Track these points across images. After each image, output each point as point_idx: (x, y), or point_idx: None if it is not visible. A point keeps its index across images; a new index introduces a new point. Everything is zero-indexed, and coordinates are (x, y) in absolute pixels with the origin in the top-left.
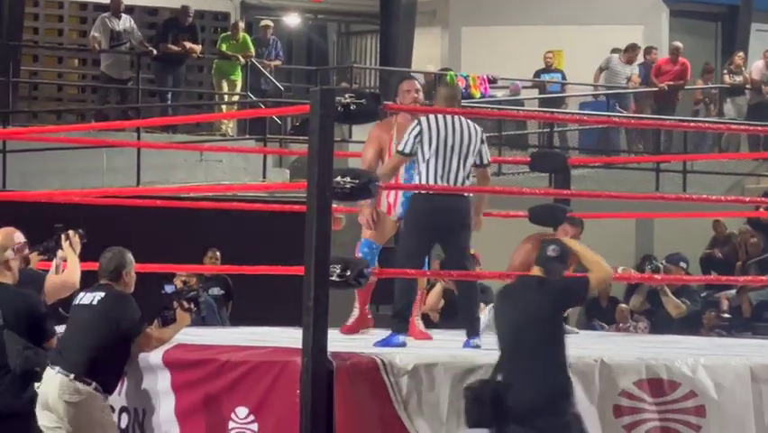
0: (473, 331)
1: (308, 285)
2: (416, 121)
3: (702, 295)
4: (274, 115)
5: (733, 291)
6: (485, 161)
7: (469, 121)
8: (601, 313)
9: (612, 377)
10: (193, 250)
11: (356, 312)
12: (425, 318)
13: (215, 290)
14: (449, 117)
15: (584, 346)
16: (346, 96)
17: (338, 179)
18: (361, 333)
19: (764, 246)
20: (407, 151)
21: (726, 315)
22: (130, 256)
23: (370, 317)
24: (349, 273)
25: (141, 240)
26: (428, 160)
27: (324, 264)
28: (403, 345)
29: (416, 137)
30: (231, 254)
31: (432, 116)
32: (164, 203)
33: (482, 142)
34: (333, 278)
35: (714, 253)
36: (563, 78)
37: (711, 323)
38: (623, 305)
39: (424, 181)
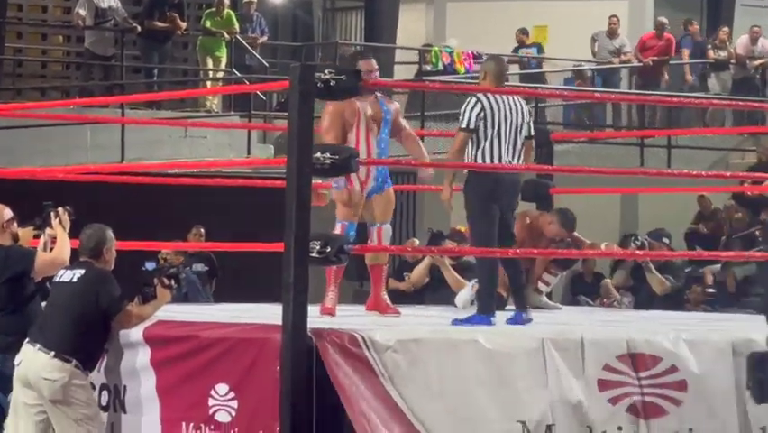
0: (521, 306)
1: (288, 262)
2: (473, 98)
3: (687, 270)
4: (253, 91)
5: (718, 266)
6: (531, 133)
7: (516, 96)
8: (586, 288)
9: (595, 352)
10: (178, 226)
11: (332, 294)
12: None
13: (199, 267)
14: (500, 96)
15: (567, 322)
16: (326, 72)
17: (318, 154)
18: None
19: (749, 221)
20: (472, 126)
21: (711, 290)
22: (110, 233)
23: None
24: (329, 250)
25: (125, 217)
26: (490, 137)
27: (304, 241)
28: (492, 324)
29: (478, 114)
30: (216, 231)
31: (487, 94)
32: (148, 179)
33: (530, 115)
34: (313, 254)
35: (699, 228)
36: (540, 51)
37: (696, 298)
38: (607, 280)
39: (488, 159)
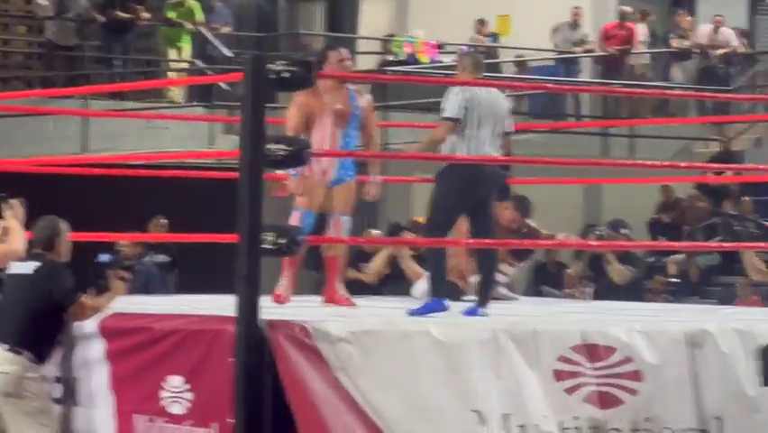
0: (482, 301)
1: (241, 253)
2: (456, 88)
3: (650, 260)
4: (206, 82)
5: (680, 256)
6: (510, 129)
7: (496, 90)
8: (550, 279)
9: (549, 343)
10: (139, 218)
11: (285, 281)
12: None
13: (161, 258)
14: (483, 88)
15: (522, 313)
16: (278, 63)
17: (271, 146)
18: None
19: (712, 211)
20: (457, 116)
21: (674, 279)
22: (63, 225)
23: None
24: (283, 241)
25: (86, 208)
26: (474, 127)
27: (257, 232)
28: (446, 308)
29: (462, 104)
30: (179, 222)
31: (468, 86)
32: (109, 171)
33: (509, 110)
34: (266, 246)
35: (662, 217)
36: (495, 41)
37: (658, 288)
38: (570, 270)
39: (470, 150)
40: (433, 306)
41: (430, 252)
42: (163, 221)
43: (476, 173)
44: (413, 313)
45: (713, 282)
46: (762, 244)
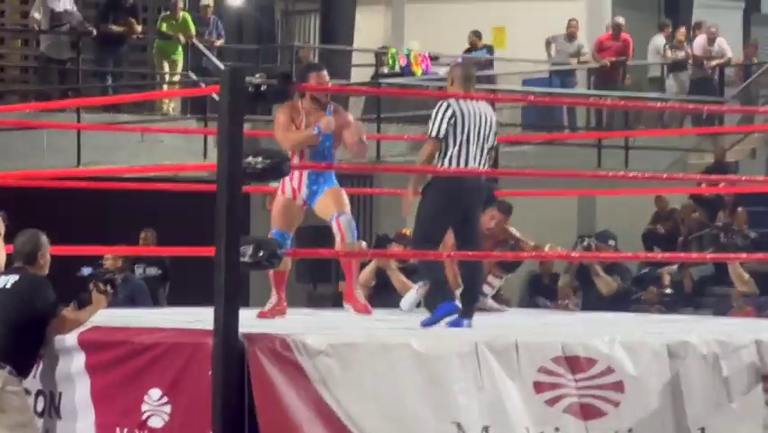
0: (467, 314)
1: (219, 266)
2: (445, 103)
3: (644, 271)
4: (196, 94)
5: (674, 267)
6: (495, 144)
7: (485, 103)
8: (544, 290)
9: (529, 355)
10: (132, 230)
11: (273, 299)
12: None
13: (152, 271)
14: (472, 102)
15: (504, 325)
16: (257, 76)
17: (249, 159)
18: (277, 318)
19: (706, 221)
20: (441, 135)
21: (668, 290)
22: (44, 238)
23: (284, 304)
24: (262, 254)
25: (74, 221)
26: (459, 143)
27: (235, 245)
28: (456, 308)
29: (450, 120)
30: (171, 234)
31: (459, 99)
32: (103, 184)
33: (496, 124)
34: (245, 259)
35: (656, 228)
36: (490, 53)
37: (651, 299)
38: (560, 282)
39: (459, 165)
40: (443, 310)
41: (424, 265)
42: (151, 234)
43: (461, 187)
44: (426, 324)
45: (707, 293)
46: (756, 256)
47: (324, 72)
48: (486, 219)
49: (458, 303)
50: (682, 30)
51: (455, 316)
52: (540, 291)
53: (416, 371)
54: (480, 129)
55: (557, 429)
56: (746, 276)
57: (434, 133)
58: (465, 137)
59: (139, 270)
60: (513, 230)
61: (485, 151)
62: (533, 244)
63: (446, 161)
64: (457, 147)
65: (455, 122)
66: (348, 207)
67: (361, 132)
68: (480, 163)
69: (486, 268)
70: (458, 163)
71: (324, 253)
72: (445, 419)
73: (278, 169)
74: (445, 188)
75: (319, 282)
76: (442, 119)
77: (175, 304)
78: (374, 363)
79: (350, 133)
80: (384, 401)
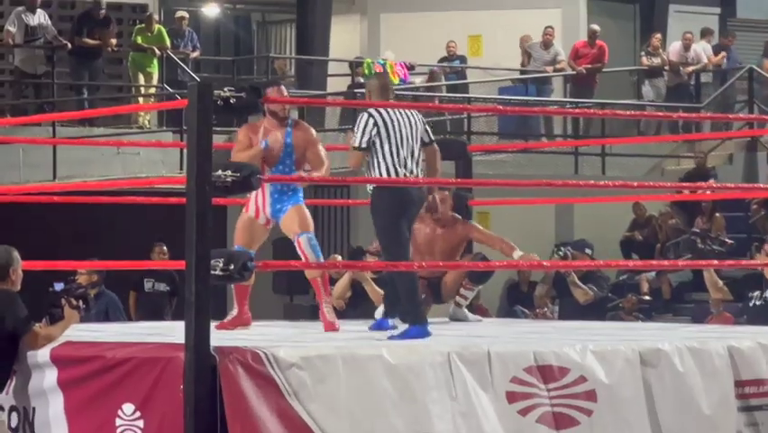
0: (389, 313)
1: (189, 279)
2: (365, 114)
3: (623, 278)
4: (170, 107)
5: (653, 274)
6: (431, 139)
7: (408, 110)
8: (522, 298)
9: (502, 365)
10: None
11: (234, 311)
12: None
13: (161, 286)
14: (393, 110)
15: (477, 335)
16: (225, 89)
17: (219, 172)
18: (239, 329)
19: (684, 228)
20: (365, 145)
21: (647, 297)
22: (16, 254)
23: (248, 315)
24: (232, 267)
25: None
26: (386, 152)
27: (205, 259)
28: (428, 334)
29: (372, 129)
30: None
31: (379, 108)
32: (79, 199)
33: (423, 123)
34: (216, 272)
35: (634, 235)
36: (463, 63)
37: (630, 307)
38: (536, 291)
39: (384, 174)
40: (413, 332)
41: (399, 279)
42: (164, 248)
43: (406, 195)
44: (392, 339)
45: (686, 299)
46: (728, 262)
47: (283, 88)
48: (429, 201)
49: (429, 328)
50: (658, 36)
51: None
52: (518, 300)
53: (389, 382)
54: (405, 133)
55: None
56: (720, 283)
57: (356, 144)
58: (393, 143)
59: (148, 284)
60: (481, 228)
61: (415, 153)
62: (518, 254)
63: (376, 169)
64: (387, 154)
65: (378, 130)
66: (310, 226)
67: (323, 161)
68: (412, 167)
69: (457, 279)
70: (389, 169)
71: (296, 265)
72: (418, 432)
73: (247, 182)
74: (390, 197)
75: (296, 294)
76: (364, 129)
77: (181, 318)
78: (347, 376)
79: (313, 162)
80: (356, 414)
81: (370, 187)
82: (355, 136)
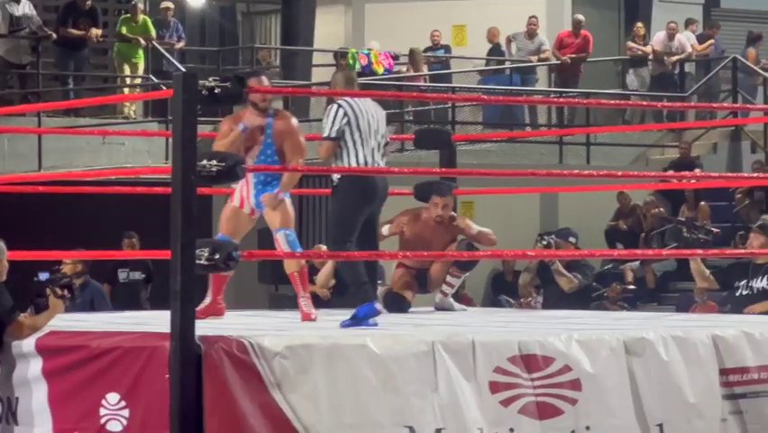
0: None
1: (175, 269)
2: (335, 105)
3: (607, 267)
4: (155, 97)
5: (637, 263)
6: (387, 141)
7: (372, 102)
8: (507, 288)
9: (486, 354)
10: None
11: (207, 300)
12: (315, 298)
13: (136, 275)
14: (360, 100)
15: (462, 324)
16: (210, 79)
17: (204, 162)
18: (211, 319)
19: (669, 217)
20: (335, 135)
21: (631, 286)
22: (1, 244)
23: (221, 305)
24: (218, 256)
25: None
26: (356, 142)
27: (190, 248)
28: (377, 310)
29: (342, 119)
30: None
31: (349, 99)
32: (64, 189)
33: (384, 119)
34: (201, 261)
35: (619, 224)
36: (447, 52)
37: (615, 296)
38: (521, 280)
39: (364, 162)
40: (363, 312)
41: (343, 268)
42: (136, 239)
43: (372, 186)
44: (345, 325)
45: (670, 289)
46: (712, 251)
47: (264, 78)
48: (431, 209)
49: (378, 306)
50: (639, 25)
51: (375, 317)
52: (503, 289)
53: (372, 373)
54: (371, 126)
55: (512, 430)
56: (707, 272)
57: (326, 133)
58: (360, 135)
59: (122, 274)
60: (470, 224)
61: (380, 146)
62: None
63: (346, 159)
64: (354, 145)
65: (348, 121)
66: (290, 222)
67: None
68: (378, 158)
69: (443, 268)
70: (357, 160)
71: (282, 255)
72: (399, 423)
73: (232, 172)
74: (358, 188)
75: (281, 284)
76: (335, 119)
77: (158, 306)
78: (330, 366)
79: (290, 153)
80: (338, 406)
81: (335, 177)
82: (326, 126)
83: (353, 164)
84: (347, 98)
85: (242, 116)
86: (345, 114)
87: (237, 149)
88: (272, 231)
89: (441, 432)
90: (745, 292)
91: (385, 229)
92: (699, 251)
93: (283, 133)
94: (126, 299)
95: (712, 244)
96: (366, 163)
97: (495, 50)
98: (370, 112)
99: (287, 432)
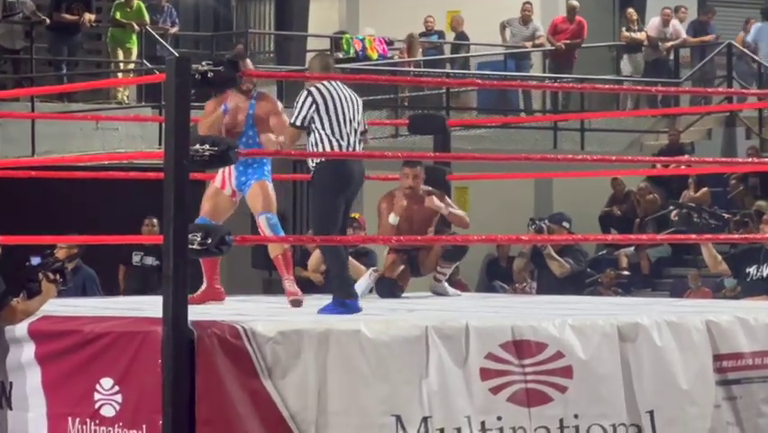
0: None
1: (167, 254)
2: (305, 92)
3: (602, 253)
4: (149, 81)
5: (632, 249)
6: (366, 129)
7: (347, 88)
8: (501, 273)
9: (478, 341)
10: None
11: (204, 285)
12: (309, 283)
13: (149, 260)
14: (335, 86)
15: (454, 309)
16: (203, 63)
17: (197, 146)
18: (210, 303)
19: (662, 202)
20: (299, 123)
21: (626, 272)
22: None
23: (220, 290)
24: (210, 241)
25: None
26: (326, 128)
27: (183, 233)
28: (356, 309)
29: (310, 107)
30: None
31: (319, 85)
32: (58, 174)
33: (361, 104)
34: (194, 246)
35: (613, 210)
36: (441, 38)
37: (609, 282)
38: (515, 265)
39: (327, 149)
40: (341, 307)
41: (328, 254)
42: (154, 221)
43: (349, 171)
44: (321, 311)
45: (665, 274)
46: (703, 236)
47: (248, 61)
48: (402, 180)
49: (354, 302)
50: (631, 10)
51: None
52: (497, 275)
53: (363, 359)
54: (346, 111)
55: (499, 418)
56: (719, 257)
57: (293, 121)
58: (335, 120)
59: (136, 258)
60: (441, 205)
61: (356, 131)
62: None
63: (321, 144)
64: (329, 130)
65: (318, 107)
66: (272, 206)
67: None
68: (354, 143)
69: (433, 253)
70: (332, 143)
71: (272, 239)
72: (386, 412)
73: (225, 156)
74: (338, 173)
75: (275, 269)
76: (302, 107)
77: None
78: (323, 352)
79: (276, 129)
80: (326, 393)
81: (311, 162)
82: (294, 112)
83: (326, 149)
84: (320, 84)
85: (225, 97)
86: (314, 101)
87: (218, 130)
88: (254, 215)
89: (428, 420)
90: (756, 277)
91: (392, 218)
92: (693, 236)
93: (267, 113)
94: (138, 282)
95: (721, 230)
96: (341, 148)
97: (460, 39)
98: (347, 98)
99: (273, 419)
